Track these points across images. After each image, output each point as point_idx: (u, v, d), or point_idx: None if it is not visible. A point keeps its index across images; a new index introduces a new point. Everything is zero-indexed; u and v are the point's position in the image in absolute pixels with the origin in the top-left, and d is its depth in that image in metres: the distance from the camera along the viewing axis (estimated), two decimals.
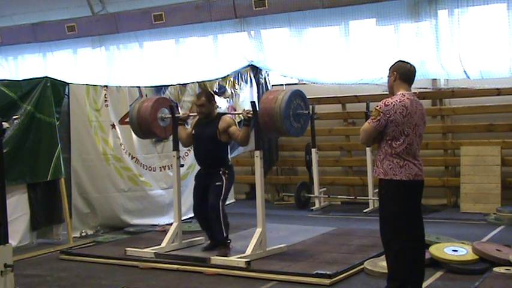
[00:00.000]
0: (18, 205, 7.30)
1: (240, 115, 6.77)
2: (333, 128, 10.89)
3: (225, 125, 6.46)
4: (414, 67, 4.71)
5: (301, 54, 10.51)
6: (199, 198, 6.62)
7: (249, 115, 6.26)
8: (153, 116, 6.76)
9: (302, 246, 6.89)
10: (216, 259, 6.08)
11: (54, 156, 7.57)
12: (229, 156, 9.90)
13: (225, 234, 6.39)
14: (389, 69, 4.70)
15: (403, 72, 4.64)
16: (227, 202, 9.91)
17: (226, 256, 6.18)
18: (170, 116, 6.82)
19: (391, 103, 4.50)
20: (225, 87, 10.10)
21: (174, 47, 11.81)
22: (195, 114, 6.91)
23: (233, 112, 6.81)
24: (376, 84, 9.65)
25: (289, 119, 5.86)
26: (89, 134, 8.32)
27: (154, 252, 6.50)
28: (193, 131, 6.71)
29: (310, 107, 10.06)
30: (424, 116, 4.65)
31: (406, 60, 4.75)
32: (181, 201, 7.19)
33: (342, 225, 8.28)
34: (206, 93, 6.89)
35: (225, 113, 6.94)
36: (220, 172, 6.46)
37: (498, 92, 9.44)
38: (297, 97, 5.99)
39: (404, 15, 9.58)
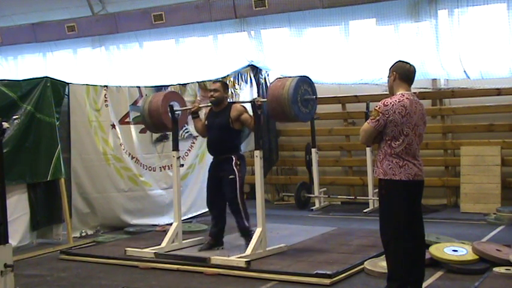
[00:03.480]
0: (18, 205, 7.30)
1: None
2: (333, 128, 10.89)
3: (236, 113, 6.55)
4: (414, 67, 4.71)
5: (301, 54, 10.50)
6: (213, 190, 6.72)
7: (259, 103, 6.32)
8: (164, 109, 6.82)
9: (302, 246, 6.89)
10: (216, 259, 6.07)
11: (54, 156, 7.58)
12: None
13: (247, 224, 6.55)
14: (389, 70, 4.70)
15: (402, 72, 4.64)
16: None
17: (226, 256, 6.18)
18: (181, 109, 6.94)
19: (390, 103, 4.50)
20: None
21: (174, 47, 11.81)
22: (206, 105, 7.07)
23: (243, 101, 7.05)
24: (376, 84, 9.66)
25: (297, 104, 6.00)
26: (89, 134, 8.32)
27: (154, 252, 6.50)
28: (206, 122, 6.83)
29: None
30: (424, 116, 4.65)
31: (405, 60, 4.75)
32: (181, 201, 7.18)
33: (342, 225, 8.27)
34: (222, 81, 7.47)
35: (235, 102, 7.04)
36: (232, 163, 6.51)
37: (498, 92, 9.44)
38: (304, 83, 6.14)
39: (404, 15, 9.58)
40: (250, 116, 6.53)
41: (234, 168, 6.49)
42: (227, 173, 6.51)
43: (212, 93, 6.66)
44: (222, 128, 6.52)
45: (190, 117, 7.13)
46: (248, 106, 6.54)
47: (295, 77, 6.11)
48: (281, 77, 6.89)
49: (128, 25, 11.65)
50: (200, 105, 7.16)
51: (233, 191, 6.48)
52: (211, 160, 6.83)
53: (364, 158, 9.75)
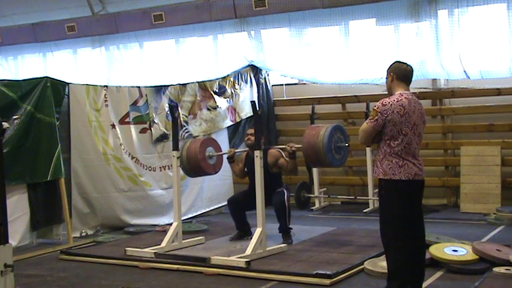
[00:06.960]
0: (18, 205, 7.30)
1: (285, 149, 7.02)
2: None
3: (273, 160, 7.03)
4: (411, 67, 4.72)
5: (301, 54, 10.52)
6: (242, 197, 7.18)
7: (293, 149, 6.64)
8: (202, 155, 6.99)
9: (302, 246, 6.89)
10: (216, 259, 6.08)
11: (54, 156, 7.57)
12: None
13: (289, 225, 7.05)
14: (387, 71, 4.72)
15: (399, 72, 4.65)
16: (225, 203, 9.97)
17: (226, 256, 6.19)
18: (216, 153, 7.15)
19: (389, 103, 4.51)
20: (225, 87, 10.10)
21: (174, 47, 11.82)
22: (241, 150, 7.69)
23: (277, 146, 7.40)
24: (376, 84, 9.66)
25: (331, 152, 6.16)
26: (89, 134, 8.31)
27: (154, 252, 6.50)
28: (245, 168, 7.29)
29: (310, 107, 10.15)
30: (423, 115, 4.65)
31: (402, 61, 4.77)
32: (181, 201, 7.18)
33: (342, 225, 8.27)
34: None
35: (270, 148, 7.36)
36: (284, 196, 7.00)
37: (498, 92, 9.44)
38: (337, 131, 6.31)
39: (404, 15, 9.59)
40: (286, 160, 6.96)
41: (285, 190, 7.04)
42: (275, 188, 7.02)
43: (250, 136, 7.05)
44: (263, 174, 6.60)
45: (236, 155, 7.37)
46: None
47: (329, 126, 6.27)
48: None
49: (128, 25, 11.66)
50: (236, 150, 7.49)
51: (281, 195, 6.95)
52: None
53: (364, 158, 9.75)
